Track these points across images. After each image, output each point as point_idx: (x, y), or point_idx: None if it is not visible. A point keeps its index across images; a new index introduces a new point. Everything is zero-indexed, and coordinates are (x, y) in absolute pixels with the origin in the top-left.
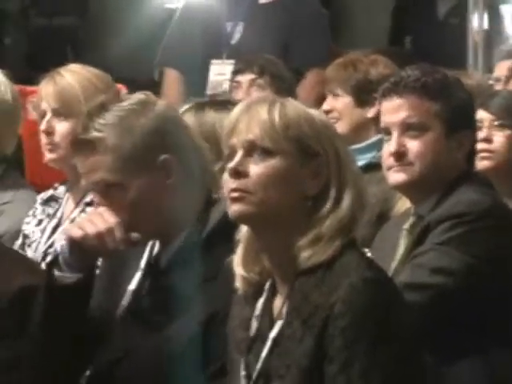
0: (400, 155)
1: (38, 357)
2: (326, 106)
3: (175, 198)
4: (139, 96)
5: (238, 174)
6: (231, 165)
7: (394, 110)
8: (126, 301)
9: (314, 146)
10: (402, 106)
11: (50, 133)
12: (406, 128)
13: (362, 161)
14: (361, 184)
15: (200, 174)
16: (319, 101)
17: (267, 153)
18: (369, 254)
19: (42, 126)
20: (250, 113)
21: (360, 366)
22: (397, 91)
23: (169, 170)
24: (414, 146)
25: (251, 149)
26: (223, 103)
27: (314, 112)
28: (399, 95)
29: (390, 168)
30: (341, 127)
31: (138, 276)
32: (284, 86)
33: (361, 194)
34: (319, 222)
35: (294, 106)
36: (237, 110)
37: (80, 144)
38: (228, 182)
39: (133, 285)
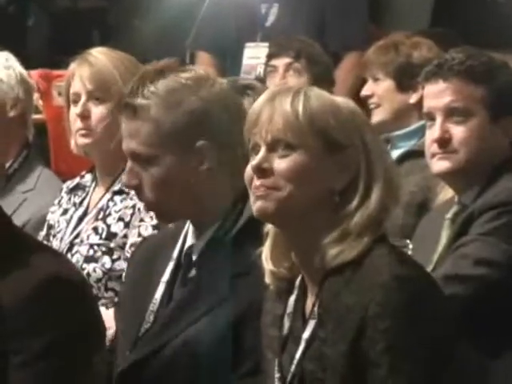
0: (444, 142)
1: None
2: (365, 90)
3: (207, 186)
4: (199, 71)
5: (262, 171)
6: (255, 162)
7: (437, 94)
8: (159, 293)
9: (341, 139)
10: (445, 90)
11: (85, 117)
12: (450, 113)
13: (403, 148)
14: (393, 176)
15: (240, 165)
16: (358, 85)
17: (291, 147)
18: (410, 246)
19: (77, 110)
20: (272, 105)
21: (409, 368)
22: (440, 75)
23: (204, 157)
24: (458, 132)
25: (275, 144)
26: (242, 88)
27: (340, 101)
28: (443, 79)
29: (433, 155)
30: (381, 113)
31: (170, 266)
32: (321, 70)
33: (392, 186)
34: (347, 218)
35: (318, 96)
36: (259, 100)
37: (125, 107)
38: (252, 179)
39: (165, 276)
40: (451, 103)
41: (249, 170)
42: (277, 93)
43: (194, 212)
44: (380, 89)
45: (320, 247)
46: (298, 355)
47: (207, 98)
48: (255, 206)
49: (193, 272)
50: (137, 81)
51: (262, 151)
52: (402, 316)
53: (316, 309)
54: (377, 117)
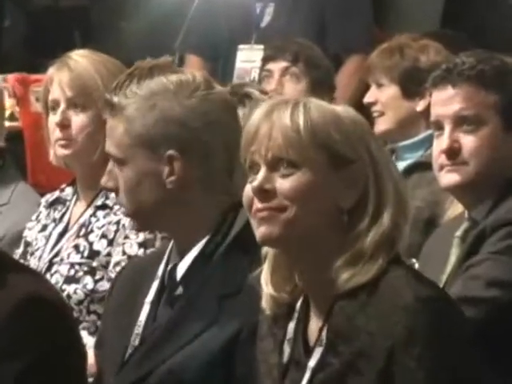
0: (453, 153)
1: None
2: (368, 97)
3: (183, 199)
4: (185, 75)
5: (264, 192)
6: (256, 183)
7: (446, 101)
8: (143, 315)
9: (346, 152)
10: (455, 97)
11: (65, 126)
12: (460, 122)
13: (409, 160)
14: (402, 190)
15: (222, 178)
16: (361, 91)
17: (294, 165)
18: (416, 266)
19: (56, 118)
20: (270, 119)
21: None
22: (449, 80)
23: (172, 168)
24: (468, 142)
25: (276, 162)
26: (241, 96)
27: (340, 110)
28: (452, 84)
29: (441, 168)
30: (386, 122)
31: (154, 286)
32: (321, 75)
33: (403, 201)
34: (358, 239)
35: (318, 107)
36: (256, 115)
37: (105, 103)
38: (252, 202)
39: (150, 296)
40: (461, 111)
41: (248, 192)
42: (274, 106)
43: (173, 226)
44: (384, 95)
45: (330, 271)
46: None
47: (186, 107)
48: (258, 231)
49: (179, 290)
50: (124, 77)
51: (263, 171)
52: (433, 339)
53: (324, 334)
54: (381, 126)
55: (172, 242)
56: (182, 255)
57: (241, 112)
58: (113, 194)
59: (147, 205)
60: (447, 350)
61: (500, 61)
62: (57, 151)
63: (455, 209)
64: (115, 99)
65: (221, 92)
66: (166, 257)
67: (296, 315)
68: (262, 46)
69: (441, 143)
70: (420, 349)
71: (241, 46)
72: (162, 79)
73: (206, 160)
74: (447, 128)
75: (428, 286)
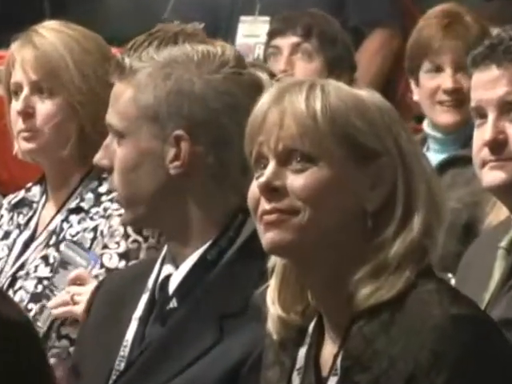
0: (498, 145)
1: None
2: (454, 82)
3: (184, 191)
4: (214, 47)
5: (272, 190)
6: (263, 180)
7: (489, 83)
8: (130, 333)
9: (371, 144)
10: (500, 79)
11: (28, 114)
12: (507, 108)
13: (444, 154)
14: (437, 189)
15: (239, 172)
16: (386, 71)
17: (309, 159)
18: (452, 281)
19: (18, 106)
20: (281, 105)
21: None
22: (494, 59)
23: (179, 151)
24: None
25: (288, 155)
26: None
27: (364, 94)
28: (497, 64)
29: (483, 163)
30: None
31: (144, 299)
32: (338, 53)
33: (437, 202)
34: (383, 247)
35: (338, 91)
36: (264, 100)
37: (116, 64)
38: (259, 202)
39: (138, 311)
40: (507, 95)
41: (254, 190)
42: (286, 89)
43: (170, 222)
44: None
45: (348, 285)
46: None
47: (208, 83)
48: (265, 237)
49: (172, 303)
50: (144, 38)
51: (272, 165)
52: (464, 366)
53: (339, 362)
54: (456, 117)
55: (166, 247)
56: (177, 263)
57: None
58: (89, 195)
59: (143, 191)
60: (481, 381)
61: None
62: (20, 145)
63: (498, 213)
64: (127, 61)
65: (252, 74)
66: (158, 265)
67: (308, 340)
68: (267, 18)
69: (483, 134)
70: (446, 376)
71: (242, 18)
72: (186, 47)
73: (219, 148)
74: (491, 116)
75: (464, 304)
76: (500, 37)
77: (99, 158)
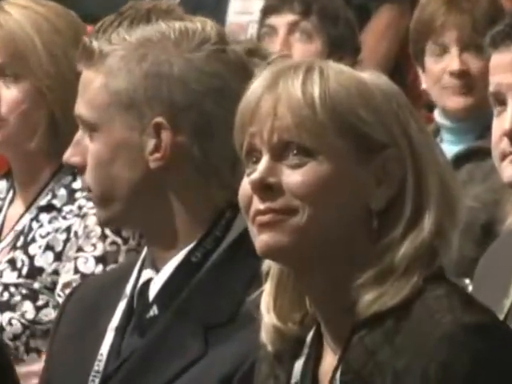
0: None
1: None
2: (461, 64)
3: (164, 186)
4: (193, 24)
5: (266, 188)
6: (256, 176)
7: (510, 66)
8: (106, 346)
9: (376, 135)
10: None
11: None
12: None
13: (459, 145)
14: (451, 184)
15: (227, 165)
16: (395, 52)
17: (308, 152)
18: (469, 287)
19: None
20: (275, 91)
21: None
22: None
23: (159, 142)
24: None
25: (283, 148)
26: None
27: (368, 78)
28: None
29: (503, 156)
30: (475, 98)
31: (121, 307)
32: (341, 32)
33: (451, 199)
34: (389, 249)
35: (338, 74)
36: (255, 85)
37: (82, 48)
38: (251, 201)
39: (115, 321)
40: None
41: (245, 187)
42: (280, 73)
43: (150, 221)
44: (479, 64)
45: (350, 291)
46: None
47: (189, 62)
48: (259, 240)
49: (152, 311)
50: (113, 18)
51: (265, 160)
52: (476, 381)
53: (338, 377)
54: (468, 100)
55: (145, 250)
56: (158, 266)
57: None
58: (62, 191)
59: (120, 187)
60: None
61: None
62: None
63: None
64: (95, 44)
65: (236, 52)
66: (136, 269)
67: (305, 351)
68: None
69: (503, 123)
70: None
71: None
72: (161, 25)
73: (204, 137)
74: (511, 103)
75: (478, 311)
76: None
77: (69, 155)
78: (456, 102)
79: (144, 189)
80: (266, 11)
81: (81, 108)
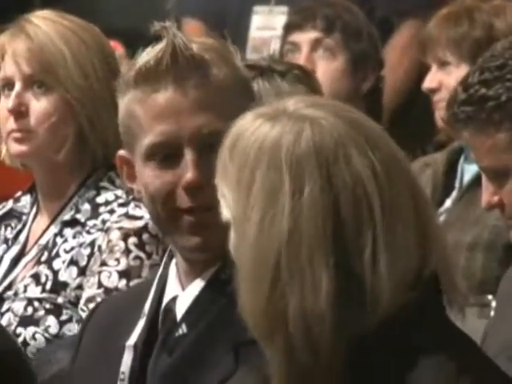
0: None
1: None
2: (430, 81)
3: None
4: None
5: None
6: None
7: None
8: (126, 365)
9: None
10: None
11: (21, 113)
12: None
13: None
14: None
15: None
16: (417, 67)
17: None
18: (493, 304)
19: (10, 103)
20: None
21: None
22: None
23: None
24: None
25: None
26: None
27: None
28: None
29: None
30: None
31: (140, 325)
32: (364, 47)
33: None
34: None
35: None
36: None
37: None
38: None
39: (133, 338)
40: None
41: None
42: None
43: None
44: (451, 78)
45: None
46: None
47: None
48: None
49: (181, 330)
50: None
51: None
52: None
53: None
54: None
55: (173, 263)
56: (184, 283)
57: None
58: (86, 206)
59: None
60: None
61: None
62: (10, 147)
63: None
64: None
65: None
66: (154, 286)
67: None
68: (284, 9)
69: None
70: None
71: (256, 8)
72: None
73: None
74: None
75: (461, 350)
76: None
77: None
78: None
79: None
80: (289, 28)
81: None
